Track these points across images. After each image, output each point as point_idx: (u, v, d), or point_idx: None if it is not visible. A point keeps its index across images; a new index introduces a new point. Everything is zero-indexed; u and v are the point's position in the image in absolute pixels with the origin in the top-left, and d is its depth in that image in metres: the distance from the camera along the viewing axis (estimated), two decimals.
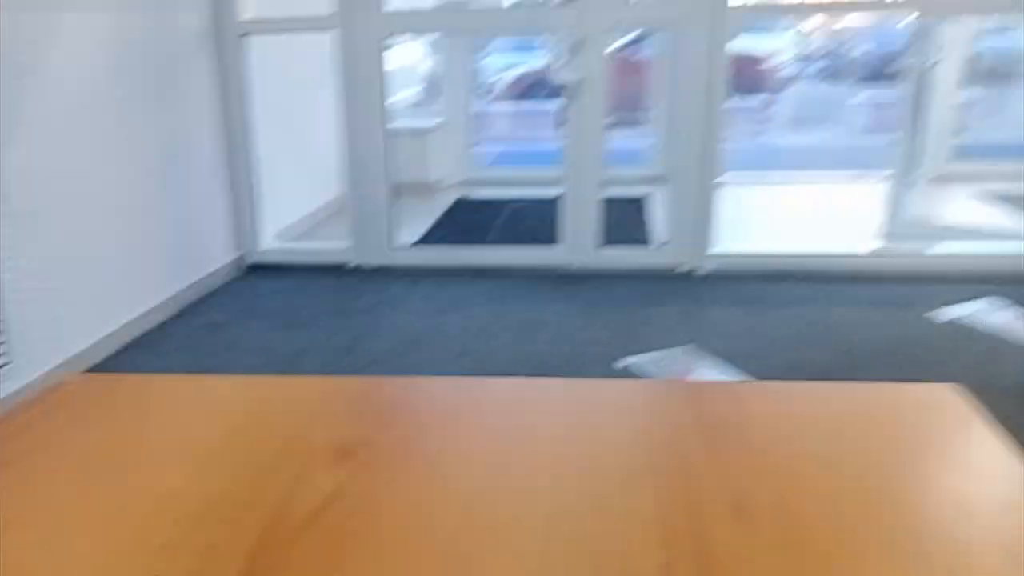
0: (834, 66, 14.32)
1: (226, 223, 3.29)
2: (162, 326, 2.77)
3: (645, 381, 0.81)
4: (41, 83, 2.17)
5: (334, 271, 3.36)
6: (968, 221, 3.87)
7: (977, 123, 6.33)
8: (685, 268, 3.20)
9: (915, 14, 3.45)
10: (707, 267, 3.17)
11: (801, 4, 3.24)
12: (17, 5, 2.07)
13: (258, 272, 3.38)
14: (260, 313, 2.91)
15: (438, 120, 4.85)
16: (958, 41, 4.25)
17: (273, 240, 3.51)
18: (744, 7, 3.04)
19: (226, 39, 3.15)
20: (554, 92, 3.83)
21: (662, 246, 3.25)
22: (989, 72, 8.82)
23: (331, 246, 3.49)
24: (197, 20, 3.01)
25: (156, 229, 2.77)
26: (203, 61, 3.06)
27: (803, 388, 0.77)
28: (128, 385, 0.80)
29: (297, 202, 3.92)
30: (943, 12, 3.46)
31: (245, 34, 3.17)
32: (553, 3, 2.93)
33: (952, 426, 0.69)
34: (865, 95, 10.24)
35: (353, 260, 3.39)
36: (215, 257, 3.21)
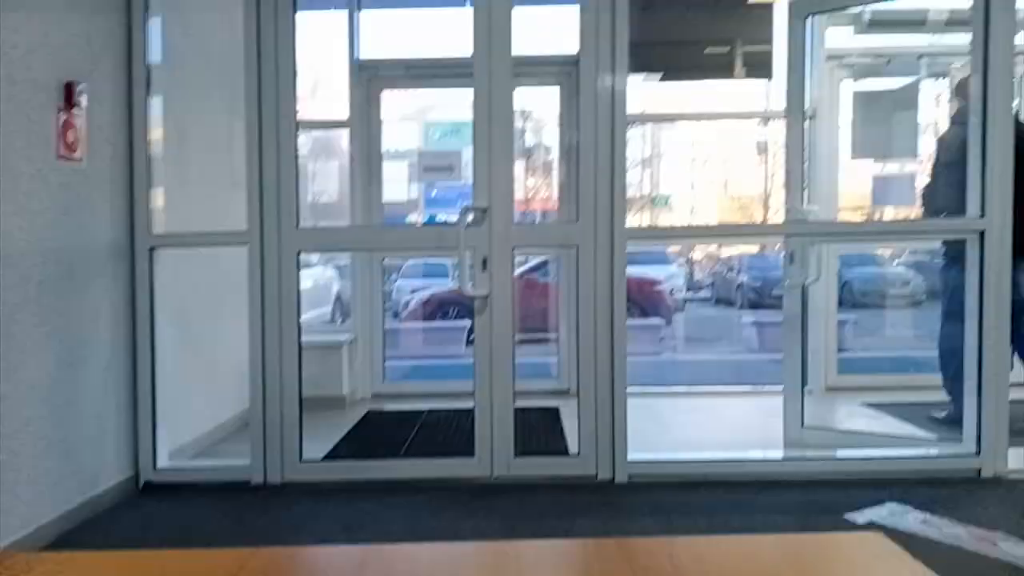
0: (721, 291, 15.42)
1: (120, 440, 3.09)
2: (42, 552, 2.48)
3: (577, 541, 0.78)
4: None
5: (237, 489, 3.16)
6: (863, 428, 4.08)
7: (854, 341, 6.87)
8: (603, 476, 3.18)
9: (784, 240, 3.86)
10: (624, 475, 3.16)
11: (687, 228, 3.56)
12: None
13: (154, 492, 3.14)
14: (152, 536, 2.67)
15: (350, 335, 4.87)
16: (830, 266, 4.73)
17: (172, 457, 3.30)
18: (639, 229, 3.32)
19: (138, 250, 3.15)
20: (464, 312, 3.94)
21: (578, 456, 3.24)
22: (860, 296, 9.72)
23: (234, 463, 3.30)
24: (110, 230, 3.02)
25: (37, 446, 2.57)
26: (111, 271, 3.03)
27: (735, 541, 0.75)
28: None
29: (200, 417, 3.75)
30: (811, 239, 3.86)
31: (157, 247, 3.19)
32: (462, 224, 3.12)
33: (882, 567, 0.69)
34: (751, 316, 10.97)
35: (257, 476, 3.21)
36: (106, 476, 2.98)
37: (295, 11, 3.21)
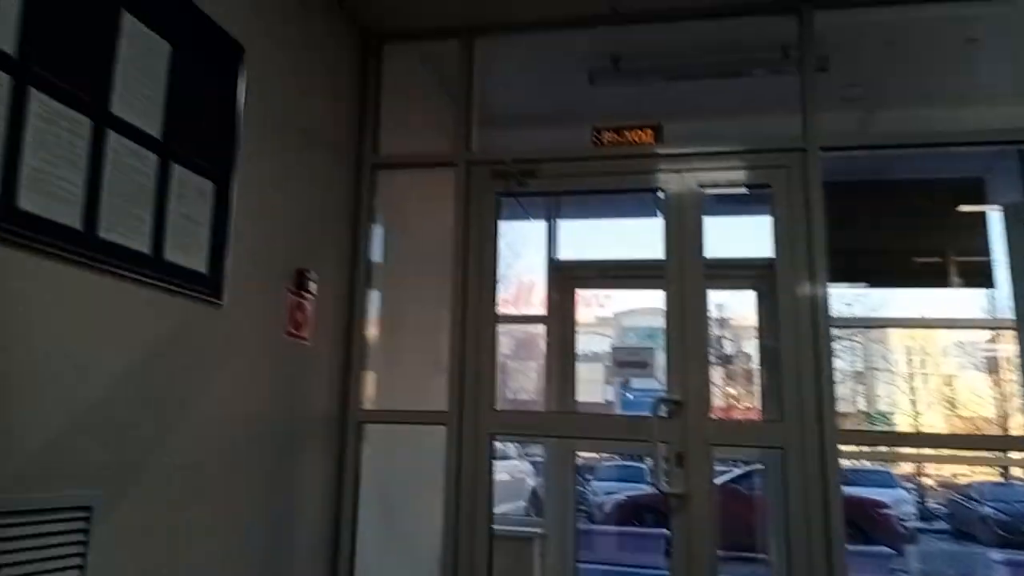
0: (960, 523, 13.47)
1: None
2: None
3: None
4: (170, 438, 2.32)
5: None
6: None
7: None
8: None
9: None
10: None
11: (914, 436, 3.23)
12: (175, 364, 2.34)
13: None
14: None
15: (541, 531, 4.74)
16: None
17: None
18: (854, 431, 3.07)
19: (349, 424, 3.37)
20: (662, 519, 3.73)
21: None
22: None
23: None
24: (325, 404, 3.27)
25: None
26: (322, 443, 3.24)
27: None
28: None
29: None
30: None
31: (365, 422, 3.39)
32: (655, 415, 3.04)
33: None
34: (1002, 555, 9.40)
35: None
36: None
37: (497, 219, 3.53)
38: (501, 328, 3.62)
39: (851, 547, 2.87)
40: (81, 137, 1.95)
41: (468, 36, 3.66)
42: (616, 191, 3.95)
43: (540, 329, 5.20)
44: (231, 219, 2.55)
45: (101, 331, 2.04)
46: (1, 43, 1.72)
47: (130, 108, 2.12)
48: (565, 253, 5.30)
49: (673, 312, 3.19)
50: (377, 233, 3.61)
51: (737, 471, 7.56)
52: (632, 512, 8.63)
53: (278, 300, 2.90)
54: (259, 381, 2.78)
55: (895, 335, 21.53)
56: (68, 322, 1.93)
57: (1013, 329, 3.51)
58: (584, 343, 5.61)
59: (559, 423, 4.23)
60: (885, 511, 9.45)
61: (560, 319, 5.19)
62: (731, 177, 3.36)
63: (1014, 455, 6.28)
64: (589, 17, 3.57)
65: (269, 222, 2.85)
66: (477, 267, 3.46)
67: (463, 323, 3.42)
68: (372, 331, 3.53)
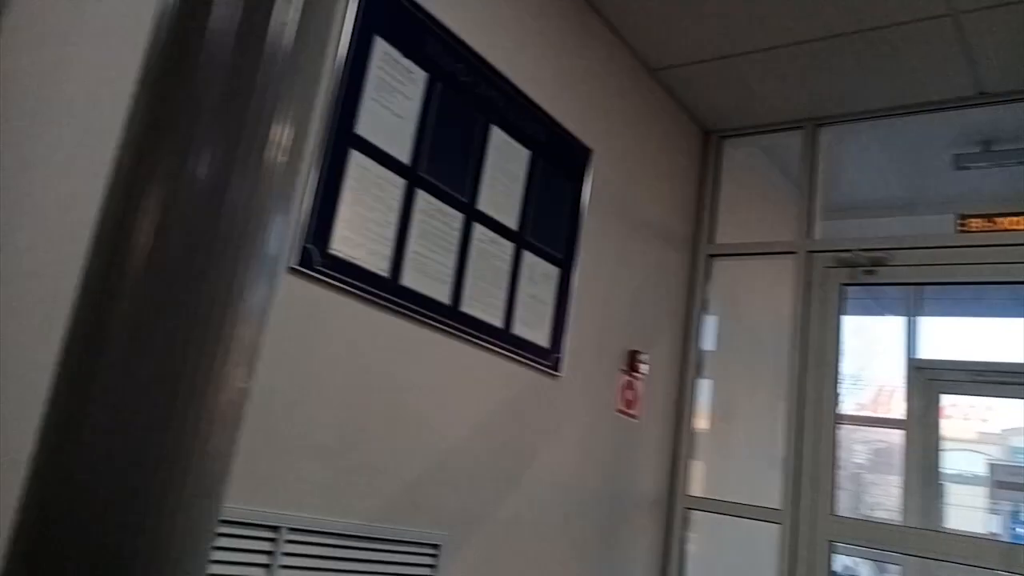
0: None
1: None
2: None
3: None
4: (509, 494, 2.58)
5: None
6: None
7: None
8: None
9: None
10: None
11: None
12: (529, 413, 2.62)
13: None
14: None
15: None
16: None
17: None
18: None
19: (675, 509, 3.38)
20: None
21: None
22: None
23: None
24: (650, 486, 3.33)
25: None
26: (645, 525, 3.30)
27: None
28: None
29: None
30: None
31: (691, 508, 3.38)
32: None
33: None
34: None
35: None
36: None
37: (841, 311, 3.37)
38: (856, 434, 3.39)
39: None
40: (454, 229, 2.36)
41: (813, 127, 3.64)
42: (986, 282, 3.53)
43: (896, 433, 4.71)
44: (572, 300, 2.83)
45: (460, 392, 2.39)
46: (398, 154, 2.20)
47: (493, 204, 2.51)
48: (926, 353, 4.78)
49: None
50: (709, 321, 3.67)
51: None
52: None
53: (611, 377, 3.09)
54: (589, 452, 2.97)
55: None
56: (434, 381, 2.31)
57: None
58: (956, 460, 4.93)
59: (914, 540, 3.74)
60: None
61: (922, 427, 4.66)
62: None
63: None
64: (950, 100, 3.33)
65: (606, 305, 3.08)
66: (817, 362, 3.32)
67: (800, 419, 3.29)
68: (701, 417, 3.54)
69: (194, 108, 0.89)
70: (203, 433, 0.84)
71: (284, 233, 0.95)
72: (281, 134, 0.94)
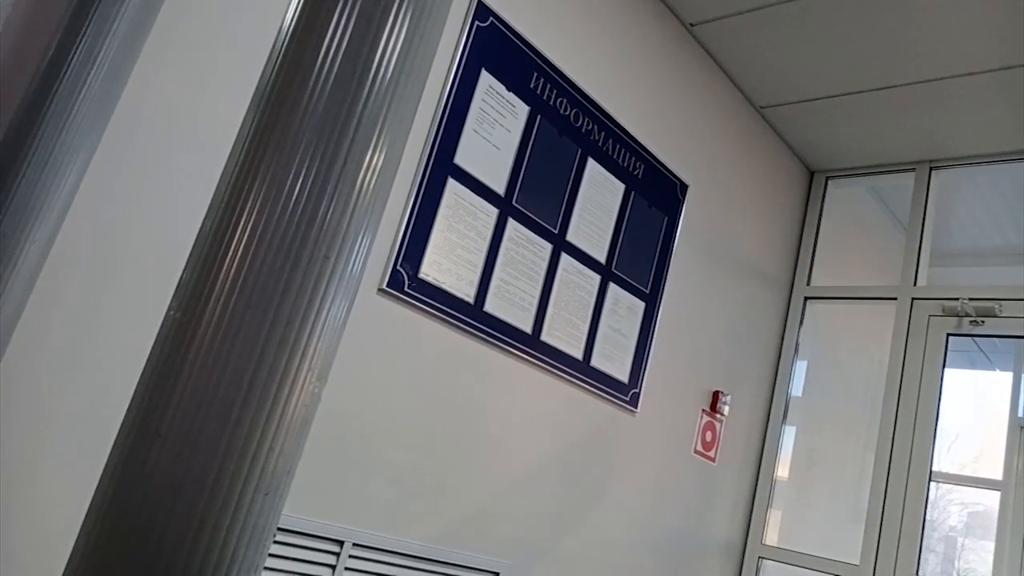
0: None
1: None
2: None
3: None
4: (576, 527, 2.56)
5: None
6: None
7: None
8: None
9: None
10: None
11: None
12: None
13: None
14: None
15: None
16: None
17: None
18: None
19: (748, 558, 3.29)
20: None
21: None
22: None
23: None
24: (725, 531, 3.25)
25: None
26: (718, 571, 3.21)
27: None
28: None
29: None
30: None
31: (766, 558, 3.28)
32: None
33: None
34: None
35: None
36: None
37: (944, 362, 3.21)
38: (952, 495, 3.23)
39: None
40: (541, 258, 2.37)
41: (927, 168, 3.48)
42: None
43: (994, 496, 4.43)
44: (655, 335, 2.79)
45: (534, 421, 2.40)
46: (494, 184, 2.23)
47: (582, 235, 2.51)
48: None
49: None
50: (800, 365, 3.55)
51: None
52: None
53: (690, 417, 3.03)
54: (662, 491, 2.91)
55: None
56: (510, 408, 2.32)
57: None
58: None
59: None
60: None
61: (1022, 489, 4.36)
62: None
63: None
64: None
65: (691, 342, 3.02)
66: (912, 413, 3.16)
67: (888, 473, 3.14)
68: (783, 466, 3.43)
69: (296, 129, 0.94)
70: (272, 432, 0.88)
71: (368, 253, 0.99)
72: (375, 159, 0.98)
